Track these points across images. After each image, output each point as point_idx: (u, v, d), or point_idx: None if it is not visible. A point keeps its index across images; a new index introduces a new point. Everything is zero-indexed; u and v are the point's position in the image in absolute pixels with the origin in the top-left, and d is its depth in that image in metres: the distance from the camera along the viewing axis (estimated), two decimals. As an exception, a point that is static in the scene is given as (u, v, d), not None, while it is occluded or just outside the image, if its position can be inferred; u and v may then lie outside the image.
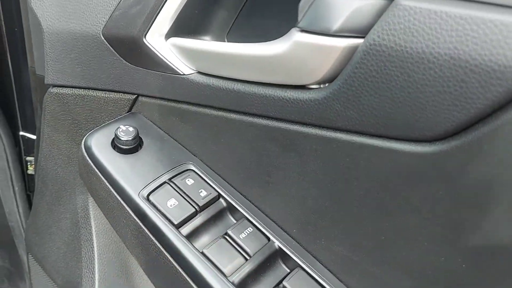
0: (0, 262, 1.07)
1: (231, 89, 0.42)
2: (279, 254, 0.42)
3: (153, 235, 0.43)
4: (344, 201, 0.37)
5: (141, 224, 0.44)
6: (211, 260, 0.41)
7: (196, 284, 0.40)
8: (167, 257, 0.42)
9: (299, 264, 0.41)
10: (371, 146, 0.34)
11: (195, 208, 0.44)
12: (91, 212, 0.60)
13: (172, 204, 0.44)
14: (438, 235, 0.32)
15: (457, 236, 0.31)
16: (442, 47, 0.28)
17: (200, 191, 0.46)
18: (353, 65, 0.32)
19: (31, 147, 0.95)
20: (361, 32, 0.32)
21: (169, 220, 0.43)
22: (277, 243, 0.42)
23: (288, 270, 0.42)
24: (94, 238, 0.59)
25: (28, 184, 0.98)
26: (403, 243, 0.35)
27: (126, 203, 0.45)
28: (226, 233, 0.43)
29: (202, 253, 0.41)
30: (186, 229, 0.43)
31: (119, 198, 0.46)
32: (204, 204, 0.45)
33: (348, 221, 0.38)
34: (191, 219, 0.44)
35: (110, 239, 0.60)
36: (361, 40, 0.32)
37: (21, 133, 0.93)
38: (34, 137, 0.94)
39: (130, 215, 0.45)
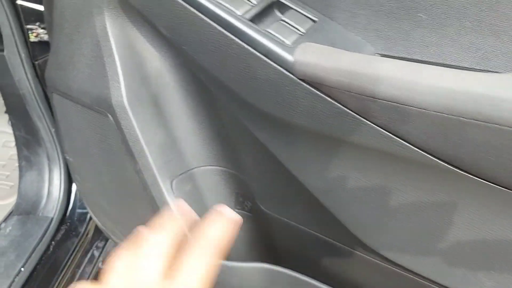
0: (16, 132, 1.15)
1: None
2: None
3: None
4: None
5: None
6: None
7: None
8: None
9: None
10: None
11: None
12: (108, 29, 0.70)
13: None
14: None
15: None
16: None
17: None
18: None
19: (30, 15, 1.01)
20: None
21: None
22: None
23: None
24: (114, 51, 0.70)
25: (32, 52, 1.04)
26: None
27: None
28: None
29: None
30: None
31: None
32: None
33: None
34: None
35: (130, 51, 0.71)
36: None
37: (19, 1, 0.99)
38: (31, 5, 1.00)
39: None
